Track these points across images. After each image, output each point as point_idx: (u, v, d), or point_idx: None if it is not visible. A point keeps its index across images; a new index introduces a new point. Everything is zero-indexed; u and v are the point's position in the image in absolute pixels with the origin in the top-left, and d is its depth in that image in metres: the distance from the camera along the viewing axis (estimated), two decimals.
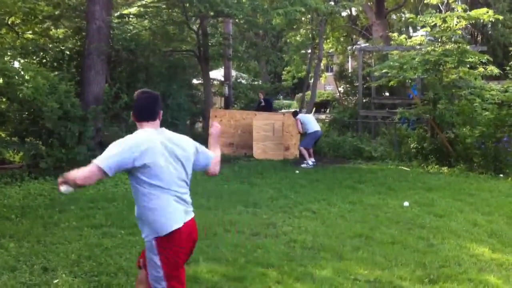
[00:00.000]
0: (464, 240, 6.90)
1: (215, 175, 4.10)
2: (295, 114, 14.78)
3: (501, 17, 13.73)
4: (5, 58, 11.87)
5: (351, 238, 6.88)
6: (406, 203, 8.96)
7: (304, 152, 13.70)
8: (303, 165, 13.46)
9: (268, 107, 17.09)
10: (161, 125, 3.66)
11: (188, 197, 3.67)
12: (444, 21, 13.64)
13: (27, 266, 5.57)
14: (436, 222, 7.82)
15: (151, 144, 3.44)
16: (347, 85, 25.05)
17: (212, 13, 15.42)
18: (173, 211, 3.49)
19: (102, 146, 12.03)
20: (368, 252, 6.30)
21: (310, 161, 13.59)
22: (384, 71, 14.79)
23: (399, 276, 5.46)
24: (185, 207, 3.61)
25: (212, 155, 3.96)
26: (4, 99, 11.24)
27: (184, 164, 3.64)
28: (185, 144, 3.70)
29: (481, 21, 15.65)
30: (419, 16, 15.24)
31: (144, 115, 3.60)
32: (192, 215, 3.67)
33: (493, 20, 14.00)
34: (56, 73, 13.01)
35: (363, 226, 7.56)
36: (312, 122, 14.28)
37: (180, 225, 3.48)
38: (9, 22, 14.78)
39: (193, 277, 5.30)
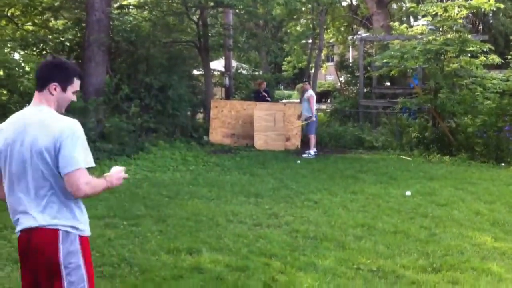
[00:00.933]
0: (466, 229, 6.90)
1: (77, 196, 2.87)
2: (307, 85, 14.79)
3: (502, 6, 13.66)
4: (5, 50, 11.85)
5: (353, 228, 6.89)
6: (408, 193, 8.96)
7: (314, 140, 13.69)
8: (304, 155, 13.44)
9: (268, 95, 17.04)
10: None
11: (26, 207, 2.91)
12: (445, 10, 13.60)
13: None
14: (438, 211, 7.83)
15: (4, 125, 3.02)
16: (348, 75, 24.99)
17: (212, 4, 15.35)
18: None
19: (103, 137, 12.08)
20: (370, 241, 6.31)
21: (313, 150, 13.59)
22: (385, 60, 14.75)
23: (402, 265, 5.46)
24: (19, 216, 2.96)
25: (74, 166, 2.80)
26: (4, 91, 11.23)
27: (28, 160, 2.85)
28: (44, 133, 2.83)
29: (482, 10, 15.56)
30: (420, 5, 15.20)
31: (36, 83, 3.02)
32: (24, 225, 2.92)
33: (495, 9, 13.93)
34: None
35: (365, 215, 7.57)
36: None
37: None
38: (8, 14, 14.73)
39: (196, 267, 5.31)
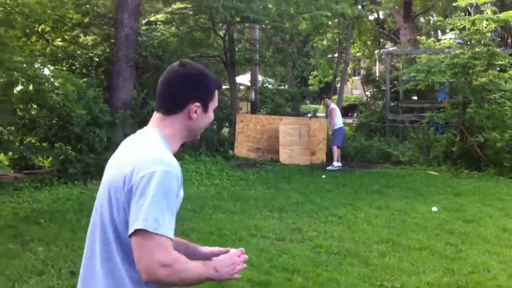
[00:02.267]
0: (493, 246, 6.77)
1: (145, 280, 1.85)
2: (328, 100, 15.02)
3: None
4: (35, 65, 12.08)
5: (378, 244, 6.82)
6: (434, 208, 8.84)
7: (337, 152, 13.69)
8: (329, 167, 13.40)
9: None
10: None
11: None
12: (473, 23, 13.46)
13: (55, 270, 5.65)
14: (465, 227, 7.70)
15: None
16: (375, 89, 24.87)
17: (238, 19, 15.49)
18: None
19: None
20: (394, 258, 6.23)
21: (337, 163, 13.54)
22: (412, 74, 14.66)
23: (427, 283, 5.38)
24: None
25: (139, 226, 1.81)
26: (34, 106, 11.46)
27: (108, 199, 1.98)
28: (126, 160, 1.99)
29: (511, 23, 15.37)
30: (447, 19, 15.08)
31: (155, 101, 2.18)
32: None
33: None
34: (85, 79, 13.21)
35: (389, 231, 7.48)
36: (340, 115, 14.42)
37: None
38: (39, 30, 15.05)
39: (218, 283, 5.29)
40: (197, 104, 2.09)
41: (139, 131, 2.16)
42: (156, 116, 2.12)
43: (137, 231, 1.81)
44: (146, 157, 1.92)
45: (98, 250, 1.97)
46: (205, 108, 2.13)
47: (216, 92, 2.22)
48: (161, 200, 1.85)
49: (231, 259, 2.11)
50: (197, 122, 2.13)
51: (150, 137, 2.06)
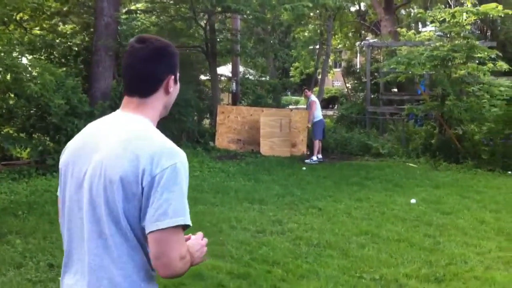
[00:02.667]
0: (471, 237, 6.85)
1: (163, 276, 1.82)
2: (307, 92, 14.91)
3: (510, 12, 13.60)
4: (13, 54, 11.89)
5: (357, 236, 6.86)
6: (413, 200, 8.92)
7: (318, 145, 13.69)
8: (308, 161, 13.43)
9: None
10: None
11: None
12: (453, 16, 13.56)
13: (33, 262, 5.59)
14: (443, 219, 7.78)
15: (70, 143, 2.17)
16: (355, 81, 24.98)
17: (219, 9, 15.40)
18: None
19: None
20: (374, 249, 6.28)
21: (317, 156, 13.57)
22: (392, 66, 14.75)
23: (405, 274, 5.43)
24: None
25: (160, 222, 1.75)
26: (11, 95, 11.29)
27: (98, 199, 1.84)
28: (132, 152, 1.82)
29: (490, 16, 15.51)
30: (428, 11, 15.17)
31: (125, 84, 2.07)
32: None
33: (502, 16, 13.88)
34: (64, 69, 13.04)
35: (369, 223, 7.53)
36: (319, 108, 14.40)
37: None
38: (17, 18, 14.81)
39: (198, 274, 5.29)
40: (171, 76, 1.99)
41: (115, 116, 2.01)
42: (131, 101, 1.97)
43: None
44: (162, 149, 1.83)
45: (110, 238, 1.81)
46: (176, 79, 2.03)
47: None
48: (184, 193, 1.82)
49: (198, 243, 2.07)
50: (172, 96, 2.05)
51: (146, 124, 1.93)
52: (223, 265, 5.61)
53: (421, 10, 16.10)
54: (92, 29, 14.19)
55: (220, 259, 5.79)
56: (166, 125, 13.70)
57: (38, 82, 10.61)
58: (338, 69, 34.20)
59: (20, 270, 5.38)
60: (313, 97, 14.59)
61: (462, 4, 15.35)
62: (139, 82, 1.96)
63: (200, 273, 5.33)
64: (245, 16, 16.82)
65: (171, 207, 1.76)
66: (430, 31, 17.54)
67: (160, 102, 2.00)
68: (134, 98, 1.97)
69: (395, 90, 22.27)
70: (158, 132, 1.93)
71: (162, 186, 1.76)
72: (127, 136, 1.86)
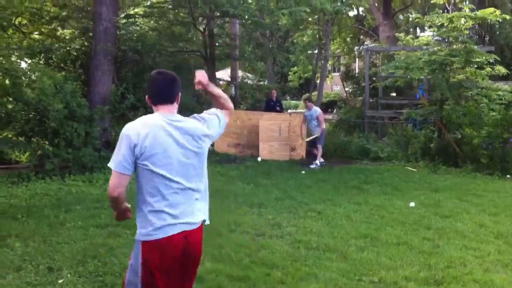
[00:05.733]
0: (470, 241, 6.86)
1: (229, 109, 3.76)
2: (309, 100, 14.64)
3: (508, 17, 13.65)
4: (12, 59, 11.92)
5: (356, 239, 6.86)
6: (412, 204, 8.93)
7: (321, 151, 13.64)
8: (312, 166, 13.35)
9: (280, 107, 17.05)
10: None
11: (188, 206, 3.31)
12: (451, 21, 13.59)
13: (33, 265, 5.58)
14: (442, 223, 7.78)
15: (152, 128, 3.14)
16: (354, 86, 25.02)
17: (218, 14, 15.44)
18: (161, 217, 3.16)
19: (109, 146, 12.12)
20: (373, 252, 6.28)
21: (320, 161, 13.53)
22: (390, 71, 14.77)
23: (404, 277, 5.43)
24: (174, 217, 3.20)
25: (220, 111, 3.70)
26: (10, 99, 11.30)
27: (195, 161, 3.38)
28: (198, 133, 3.35)
29: (488, 21, 15.55)
30: (426, 16, 15.20)
31: (159, 97, 3.29)
32: (182, 228, 3.22)
33: (500, 20, 13.93)
34: (63, 73, 13.06)
35: (368, 226, 7.54)
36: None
37: (161, 236, 3.13)
38: (16, 23, 14.84)
39: (197, 277, 5.25)
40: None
41: (173, 118, 3.27)
42: (166, 106, 3.29)
43: None
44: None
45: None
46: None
47: None
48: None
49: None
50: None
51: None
52: (222, 268, 5.61)
53: (419, 15, 16.13)
54: (91, 34, 14.20)
55: (220, 262, 5.79)
56: None
57: (36, 87, 10.62)
58: (336, 74, 34.26)
59: (19, 273, 5.37)
60: (318, 109, 14.32)
61: (460, 9, 15.37)
62: (172, 95, 3.36)
63: (200, 276, 5.32)
64: (243, 21, 16.85)
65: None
66: (428, 36, 17.60)
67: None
68: (166, 105, 3.31)
69: (394, 94, 22.33)
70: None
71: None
72: (189, 125, 3.36)
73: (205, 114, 3.53)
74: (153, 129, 3.12)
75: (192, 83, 3.59)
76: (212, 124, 3.49)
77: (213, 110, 3.62)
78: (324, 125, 13.92)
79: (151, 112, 3.30)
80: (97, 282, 5.22)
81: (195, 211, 3.35)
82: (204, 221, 3.48)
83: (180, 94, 3.40)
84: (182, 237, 3.18)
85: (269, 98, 17.34)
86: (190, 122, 3.32)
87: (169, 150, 3.15)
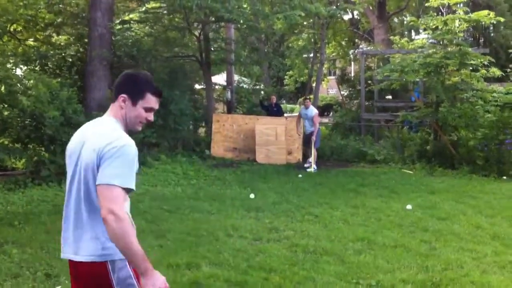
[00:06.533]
0: (466, 242, 6.88)
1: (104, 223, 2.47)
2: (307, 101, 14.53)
3: (502, 19, 13.71)
4: (7, 66, 11.90)
5: (353, 242, 6.87)
6: (409, 206, 8.95)
7: (316, 155, 13.62)
8: (309, 169, 13.31)
9: (279, 111, 17.05)
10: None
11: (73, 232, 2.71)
12: (445, 23, 13.65)
13: (30, 272, 5.58)
14: (439, 225, 7.80)
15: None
16: (350, 89, 25.07)
17: (213, 19, 15.46)
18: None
19: None
20: (370, 255, 6.29)
21: (314, 167, 13.43)
22: (386, 74, 14.81)
23: (401, 280, 5.44)
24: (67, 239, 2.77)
25: (106, 180, 2.50)
26: (6, 106, 11.29)
27: (82, 174, 2.64)
28: (96, 142, 2.61)
29: (483, 23, 15.62)
30: (420, 19, 15.27)
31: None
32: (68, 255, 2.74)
33: (495, 22, 13.99)
34: (58, 79, 13.05)
35: (365, 229, 7.55)
36: None
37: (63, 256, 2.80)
38: (11, 30, 14.84)
39: (195, 282, 5.30)
40: (123, 95, 2.75)
41: None
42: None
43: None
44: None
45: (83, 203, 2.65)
46: (133, 102, 2.75)
47: (148, 93, 2.77)
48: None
49: (163, 282, 2.54)
50: (127, 112, 2.77)
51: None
52: (220, 273, 5.61)
53: (413, 18, 16.24)
54: (86, 40, 14.21)
55: (217, 267, 5.79)
56: (161, 134, 13.73)
57: (32, 94, 10.60)
58: (332, 77, 34.30)
59: (17, 280, 5.36)
60: (315, 110, 14.31)
61: (454, 12, 15.42)
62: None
63: (198, 281, 5.33)
64: (238, 25, 16.87)
65: None
66: (423, 38, 17.62)
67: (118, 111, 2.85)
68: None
69: (390, 97, 22.38)
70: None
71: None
72: None
73: (108, 150, 2.56)
74: None
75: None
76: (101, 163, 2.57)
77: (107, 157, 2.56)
78: (318, 126, 13.85)
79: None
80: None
81: None
82: None
83: (127, 95, 2.76)
84: None
85: (269, 103, 17.35)
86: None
87: None
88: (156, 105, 2.81)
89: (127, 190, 2.54)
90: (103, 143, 2.56)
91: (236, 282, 5.34)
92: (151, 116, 2.80)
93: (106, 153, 2.53)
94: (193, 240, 6.86)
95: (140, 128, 2.84)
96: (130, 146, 2.58)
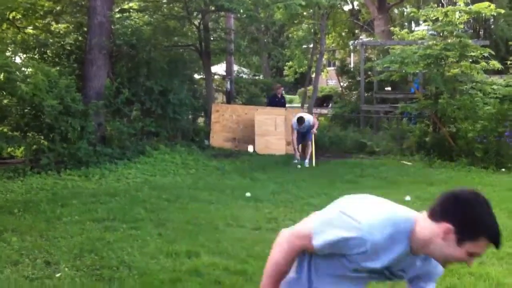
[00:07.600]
0: None
1: None
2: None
3: (502, 11, 13.69)
4: (6, 54, 11.85)
5: None
6: (407, 198, 8.95)
7: (310, 151, 13.46)
8: (306, 161, 13.13)
9: (283, 103, 16.97)
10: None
11: None
12: (446, 15, 13.61)
13: (30, 260, 5.59)
14: None
15: None
16: (349, 80, 25.02)
17: (213, 8, 15.40)
18: None
19: (104, 141, 12.12)
20: None
21: (307, 160, 13.21)
22: (385, 65, 14.78)
23: None
24: None
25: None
26: (5, 94, 11.26)
27: None
28: None
29: (483, 15, 15.58)
30: (420, 11, 15.22)
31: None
32: None
33: (495, 15, 13.96)
34: (57, 68, 13.01)
35: None
36: None
37: None
38: (10, 17, 14.75)
39: (195, 270, 5.31)
40: (449, 226, 2.00)
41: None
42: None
43: None
44: None
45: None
46: (458, 239, 2.01)
47: (483, 238, 2.01)
48: None
49: None
50: (440, 245, 2.06)
51: None
52: (219, 261, 5.62)
53: (414, 9, 16.19)
54: (85, 28, 14.13)
55: (217, 256, 5.81)
56: (160, 124, 13.71)
57: (30, 82, 10.57)
58: (331, 68, 34.21)
59: (17, 267, 5.37)
60: (311, 117, 13.70)
61: (454, 3, 15.41)
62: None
63: (197, 270, 5.35)
64: (238, 15, 16.82)
65: None
66: (423, 30, 17.57)
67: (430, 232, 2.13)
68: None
69: (389, 88, 22.35)
70: None
71: None
72: None
73: None
74: None
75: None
76: None
77: None
78: (316, 126, 13.59)
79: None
80: (94, 275, 5.23)
81: None
82: None
83: (454, 227, 2.03)
84: None
85: (274, 94, 17.12)
86: None
87: None
88: (483, 251, 2.07)
89: None
90: None
91: (236, 271, 5.35)
92: (471, 261, 2.09)
93: None
94: (192, 229, 6.88)
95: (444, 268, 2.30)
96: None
